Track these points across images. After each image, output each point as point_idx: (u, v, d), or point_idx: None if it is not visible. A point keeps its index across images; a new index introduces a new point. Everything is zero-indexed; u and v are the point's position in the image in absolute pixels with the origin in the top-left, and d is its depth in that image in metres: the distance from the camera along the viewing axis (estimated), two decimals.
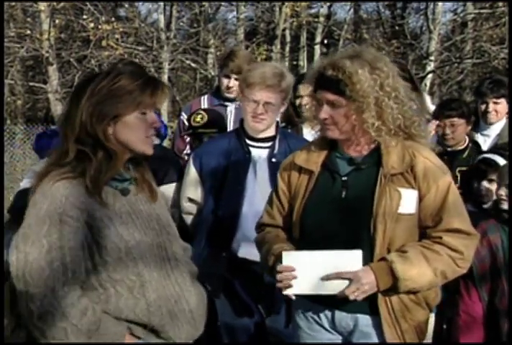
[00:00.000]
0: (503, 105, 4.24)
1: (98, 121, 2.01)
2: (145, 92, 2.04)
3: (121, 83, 2.02)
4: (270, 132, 3.27)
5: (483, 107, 4.27)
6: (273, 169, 3.12)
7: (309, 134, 3.77)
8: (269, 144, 3.26)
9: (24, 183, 3.12)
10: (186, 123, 4.17)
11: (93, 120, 2.01)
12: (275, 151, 3.24)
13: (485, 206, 3.38)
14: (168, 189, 3.33)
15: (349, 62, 2.31)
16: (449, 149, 3.98)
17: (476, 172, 3.36)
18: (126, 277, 1.99)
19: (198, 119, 3.73)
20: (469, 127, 4.06)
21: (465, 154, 3.96)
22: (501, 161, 3.31)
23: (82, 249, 1.95)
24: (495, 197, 3.27)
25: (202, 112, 3.83)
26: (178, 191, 3.40)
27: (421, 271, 2.30)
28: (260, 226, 2.63)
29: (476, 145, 4.18)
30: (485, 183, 3.30)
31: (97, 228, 1.97)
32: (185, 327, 2.08)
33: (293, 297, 2.39)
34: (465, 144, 4.01)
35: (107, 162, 2.02)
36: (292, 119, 4.24)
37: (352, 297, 2.28)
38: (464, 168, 3.79)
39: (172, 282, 2.08)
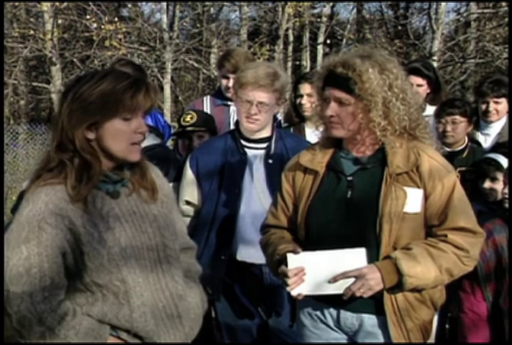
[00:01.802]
0: (503, 104, 4.24)
1: (75, 128, 1.95)
2: (125, 95, 1.96)
3: (102, 87, 1.95)
4: (266, 133, 3.24)
5: (484, 107, 4.27)
6: (269, 170, 3.12)
7: (312, 134, 3.77)
8: (265, 144, 3.23)
9: (27, 184, 3.13)
10: None
11: (71, 125, 1.96)
12: (271, 152, 3.21)
13: (492, 205, 3.38)
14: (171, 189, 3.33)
15: (359, 61, 2.33)
16: (448, 149, 3.98)
17: (478, 172, 3.38)
18: (111, 282, 1.98)
19: (188, 119, 3.76)
20: (470, 128, 4.05)
21: (465, 154, 3.96)
22: (503, 160, 3.32)
23: (60, 256, 1.94)
24: (500, 196, 3.28)
25: (192, 112, 3.85)
26: (175, 191, 3.40)
27: (426, 268, 2.30)
28: (265, 228, 2.62)
29: (477, 144, 4.19)
30: (487, 182, 3.31)
31: (78, 234, 1.95)
32: (171, 332, 2.05)
33: (300, 298, 2.38)
34: (464, 144, 4.01)
35: (86, 170, 1.97)
36: (292, 119, 4.24)
37: (358, 294, 2.29)
38: (464, 168, 3.79)
39: (163, 286, 2.05)
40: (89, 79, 1.99)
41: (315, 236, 2.42)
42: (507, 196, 2.88)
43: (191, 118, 3.75)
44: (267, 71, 3.15)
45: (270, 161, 3.18)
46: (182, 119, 3.80)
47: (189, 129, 3.74)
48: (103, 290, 1.98)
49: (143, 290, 2.00)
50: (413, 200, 2.33)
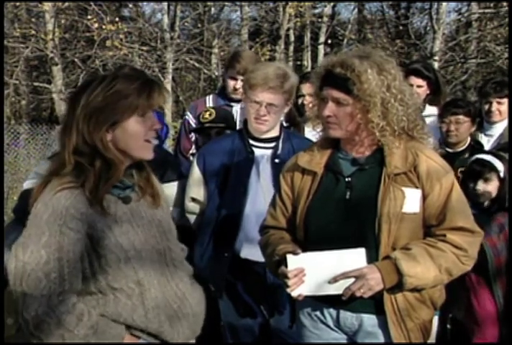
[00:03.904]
0: (506, 105, 4.26)
1: (95, 130, 1.97)
2: (141, 95, 1.99)
3: (116, 88, 1.98)
4: (274, 133, 3.26)
5: (486, 107, 4.29)
6: (276, 169, 3.11)
7: (309, 133, 3.78)
8: (272, 144, 3.25)
9: (27, 184, 3.13)
10: (192, 123, 4.19)
11: (90, 129, 1.97)
12: (279, 151, 3.23)
13: (483, 206, 3.39)
14: (166, 188, 3.34)
15: (358, 62, 2.32)
16: (450, 150, 3.99)
17: (471, 174, 3.38)
18: (126, 285, 1.99)
19: (207, 116, 3.78)
20: (474, 128, 4.07)
21: (466, 155, 3.97)
22: (494, 161, 3.33)
23: (80, 261, 1.95)
24: (493, 196, 3.29)
25: (211, 109, 3.87)
26: (179, 190, 3.42)
27: (426, 268, 2.30)
28: (264, 229, 2.63)
29: (479, 145, 4.20)
30: (481, 183, 3.32)
31: (97, 238, 1.96)
32: (186, 332, 2.08)
33: (300, 298, 2.38)
34: (466, 145, 4.03)
35: (106, 171, 1.99)
36: (294, 119, 4.24)
37: (358, 294, 2.29)
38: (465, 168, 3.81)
39: (173, 287, 2.08)
40: (99, 82, 2.01)
41: (314, 236, 2.42)
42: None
43: (210, 114, 3.77)
44: (277, 72, 3.15)
45: (277, 161, 3.19)
46: (201, 116, 3.82)
47: (207, 125, 3.76)
48: (116, 293, 1.99)
49: (158, 291, 2.03)
50: (412, 201, 2.33)
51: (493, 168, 3.27)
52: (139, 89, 1.99)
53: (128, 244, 1.99)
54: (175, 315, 2.05)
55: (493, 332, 2.86)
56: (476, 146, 4.07)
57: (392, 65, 2.38)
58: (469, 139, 4.04)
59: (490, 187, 3.28)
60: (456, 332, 3.46)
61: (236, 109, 4.20)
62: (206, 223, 3.29)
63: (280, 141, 3.26)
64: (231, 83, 4.20)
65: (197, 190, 3.33)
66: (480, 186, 3.30)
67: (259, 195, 3.18)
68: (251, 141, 3.26)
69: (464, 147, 4.01)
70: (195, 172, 3.33)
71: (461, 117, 3.97)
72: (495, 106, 4.24)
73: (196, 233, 3.33)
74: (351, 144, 2.44)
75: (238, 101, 4.17)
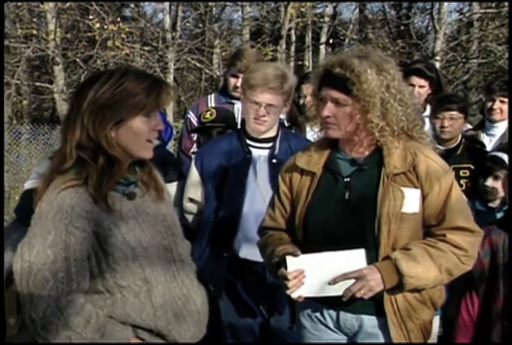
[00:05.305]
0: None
1: (100, 127, 1.97)
2: (150, 95, 1.99)
3: (125, 86, 1.97)
4: (271, 133, 3.27)
5: (490, 104, 4.29)
6: (274, 169, 3.12)
7: (309, 133, 3.79)
8: (270, 144, 3.26)
9: (28, 184, 3.13)
10: (194, 121, 4.21)
11: (96, 125, 1.97)
12: (276, 151, 3.24)
13: (492, 204, 3.38)
14: (167, 188, 3.35)
15: (357, 62, 2.32)
16: (441, 147, 3.99)
17: (482, 170, 3.38)
18: (134, 283, 1.99)
19: (208, 115, 3.80)
20: (465, 125, 4.08)
21: (459, 151, 3.98)
22: (507, 159, 3.32)
23: (87, 260, 1.94)
24: (500, 194, 3.29)
25: (211, 109, 3.90)
26: (179, 190, 3.43)
27: (426, 268, 2.30)
28: (263, 230, 2.62)
29: (481, 145, 4.20)
30: (490, 180, 3.31)
31: (104, 236, 1.95)
32: (191, 329, 2.08)
33: (300, 300, 2.38)
34: (458, 141, 4.03)
35: (109, 168, 1.98)
36: (296, 119, 4.25)
37: (358, 295, 2.28)
38: (458, 165, 3.82)
39: (179, 283, 2.08)
40: (107, 78, 1.99)
41: (313, 237, 2.42)
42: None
43: (210, 114, 3.80)
44: (276, 73, 3.17)
45: (274, 161, 3.20)
46: (202, 116, 3.85)
47: (208, 125, 3.78)
48: (123, 291, 1.99)
49: (164, 288, 2.03)
50: (411, 201, 2.33)
51: (504, 166, 3.26)
52: (148, 89, 1.99)
53: (135, 241, 1.98)
54: (180, 312, 2.05)
55: (464, 341, 2.88)
56: (472, 146, 4.07)
57: (391, 65, 2.38)
58: (460, 136, 4.04)
59: (498, 184, 3.28)
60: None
61: (237, 107, 4.21)
62: (204, 224, 3.30)
63: (278, 141, 3.27)
64: (232, 81, 4.24)
65: (195, 190, 3.34)
66: (489, 183, 3.29)
67: (257, 195, 3.18)
68: (248, 142, 3.27)
69: (456, 144, 4.00)
70: (193, 173, 3.34)
71: (455, 113, 3.96)
72: (497, 104, 4.25)
73: (195, 234, 3.33)
74: (350, 145, 2.44)
75: (239, 99, 4.19)
